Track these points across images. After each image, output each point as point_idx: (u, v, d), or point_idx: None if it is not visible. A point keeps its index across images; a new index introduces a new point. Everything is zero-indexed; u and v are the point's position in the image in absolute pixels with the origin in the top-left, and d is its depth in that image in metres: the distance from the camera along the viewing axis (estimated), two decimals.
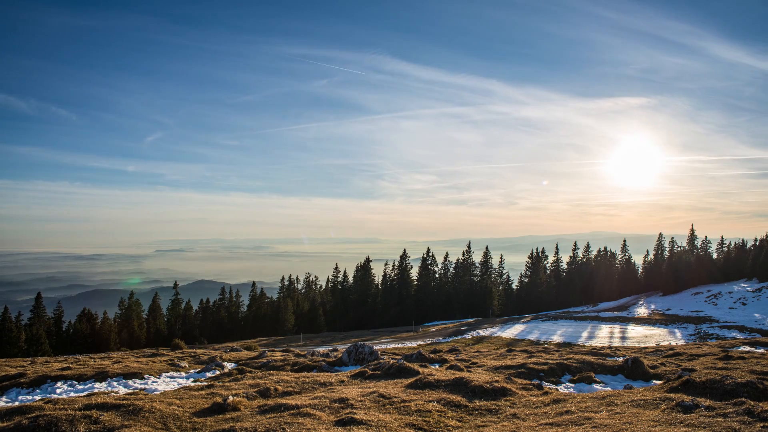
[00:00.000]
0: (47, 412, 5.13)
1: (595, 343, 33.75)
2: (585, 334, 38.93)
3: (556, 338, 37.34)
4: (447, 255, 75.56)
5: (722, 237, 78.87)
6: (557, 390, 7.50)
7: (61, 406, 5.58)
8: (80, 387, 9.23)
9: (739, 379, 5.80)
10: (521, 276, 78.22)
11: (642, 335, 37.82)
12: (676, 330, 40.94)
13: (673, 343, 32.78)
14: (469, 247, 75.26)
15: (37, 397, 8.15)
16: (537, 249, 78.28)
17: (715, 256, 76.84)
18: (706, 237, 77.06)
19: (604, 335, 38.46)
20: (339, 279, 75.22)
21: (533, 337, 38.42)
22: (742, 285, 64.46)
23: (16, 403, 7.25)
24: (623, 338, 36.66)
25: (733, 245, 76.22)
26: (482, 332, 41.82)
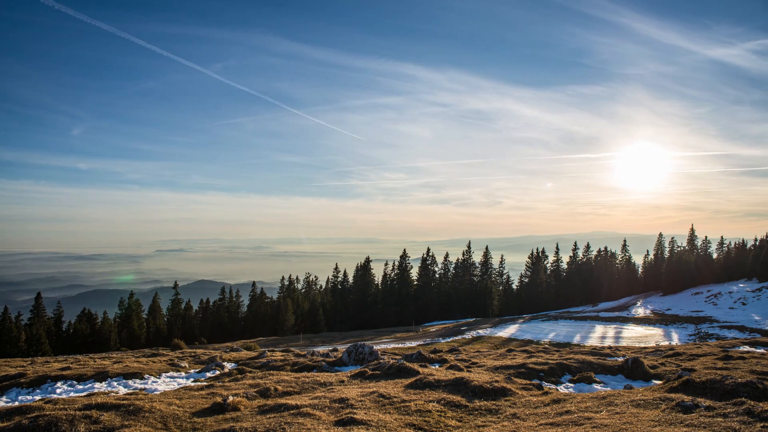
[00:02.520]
0: (47, 412, 5.13)
1: (594, 343, 33.74)
2: (584, 334, 38.89)
3: (556, 338, 37.31)
4: (447, 255, 75.60)
5: (722, 237, 79.02)
6: (557, 390, 7.49)
7: (61, 406, 5.58)
8: (80, 387, 9.23)
9: (739, 379, 5.80)
10: (521, 276, 78.19)
11: (642, 335, 37.80)
12: (676, 330, 40.89)
13: (673, 343, 32.77)
14: (469, 247, 75.26)
15: (37, 397, 8.14)
16: (537, 249, 78.27)
17: (715, 256, 76.85)
18: (706, 237, 77.22)
19: (604, 335, 38.44)
20: (339, 279, 75.23)
21: (533, 336, 38.38)
22: (742, 285, 64.43)
23: (16, 403, 7.25)
24: (623, 338, 36.61)
25: (733, 245, 76.22)
26: (482, 332, 41.80)
